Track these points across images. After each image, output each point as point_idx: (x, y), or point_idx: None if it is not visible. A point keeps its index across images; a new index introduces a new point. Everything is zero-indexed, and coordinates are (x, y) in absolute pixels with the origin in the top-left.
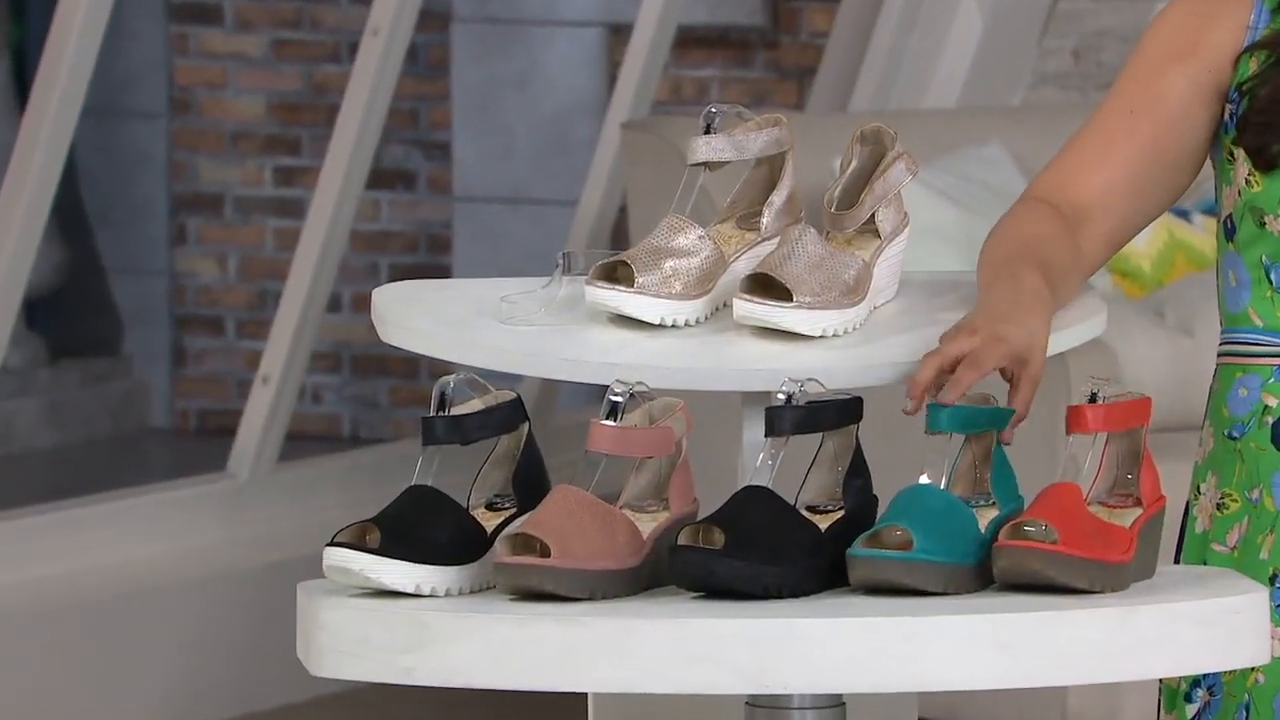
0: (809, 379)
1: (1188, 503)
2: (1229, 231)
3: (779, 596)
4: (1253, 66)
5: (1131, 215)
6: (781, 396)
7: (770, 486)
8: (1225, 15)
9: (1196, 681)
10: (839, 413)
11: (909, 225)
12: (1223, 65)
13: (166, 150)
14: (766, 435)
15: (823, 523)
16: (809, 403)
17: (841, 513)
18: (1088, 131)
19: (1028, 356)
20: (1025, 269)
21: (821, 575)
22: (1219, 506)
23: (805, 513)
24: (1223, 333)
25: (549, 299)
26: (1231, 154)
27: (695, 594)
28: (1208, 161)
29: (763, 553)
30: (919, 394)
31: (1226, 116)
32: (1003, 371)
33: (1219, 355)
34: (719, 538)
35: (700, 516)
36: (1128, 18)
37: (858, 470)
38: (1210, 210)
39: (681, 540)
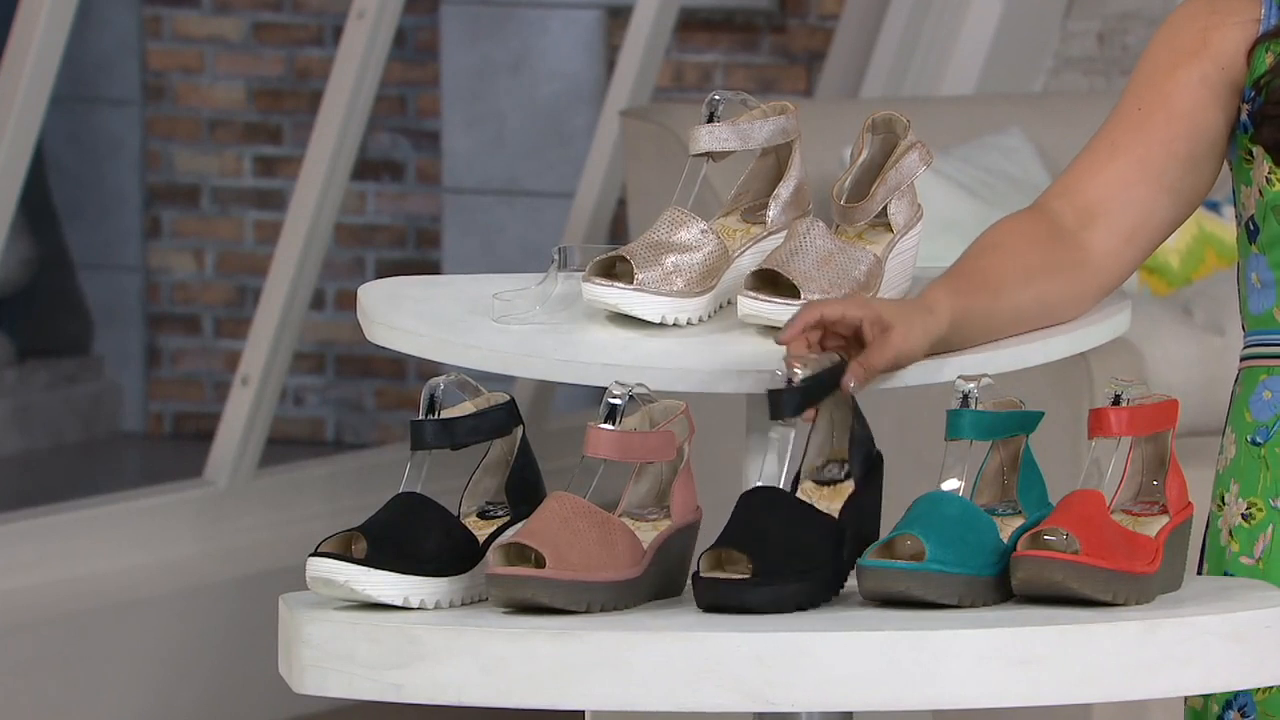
0: (797, 360)
1: (1210, 514)
2: (1251, 234)
3: (810, 608)
4: (1268, 61)
5: (1155, 209)
6: (781, 379)
7: (783, 478)
8: (1233, 12)
9: (1228, 702)
10: (832, 379)
11: (923, 218)
12: (1234, 61)
13: (140, 139)
14: (771, 419)
15: (835, 499)
16: (803, 380)
17: (849, 481)
18: (1099, 134)
19: (891, 322)
20: (936, 283)
21: (843, 570)
22: (1245, 517)
23: (814, 487)
24: (1246, 336)
25: (544, 296)
26: (1250, 153)
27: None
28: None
29: (792, 572)
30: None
31: (1244, 115)
32: (861, 335)
33: (1241, 359)
34: (744, 564)
35: (704, 523)
36: (1154, 0)
37: (860, 428)
38: None
39: (703, 571)
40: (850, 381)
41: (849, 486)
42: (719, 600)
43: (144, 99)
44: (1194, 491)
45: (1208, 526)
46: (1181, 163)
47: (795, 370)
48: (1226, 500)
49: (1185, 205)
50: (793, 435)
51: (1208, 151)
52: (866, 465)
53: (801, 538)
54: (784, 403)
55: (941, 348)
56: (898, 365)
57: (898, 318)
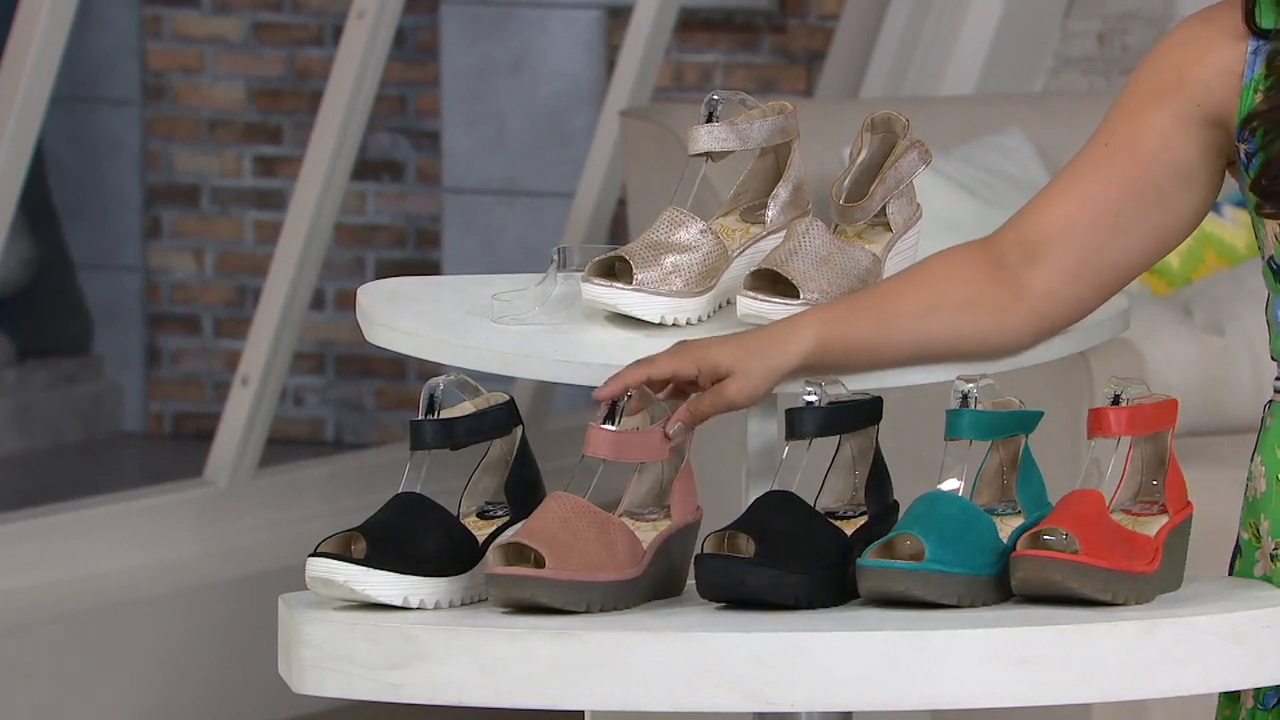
0: (832, 380)
1: (1239, 540)
2: (1276, 272)
3: (809, 607)
4: (1256, 100)
5: (1106, 249)
6: (808, 398)
7: (794, 490)
8: (1214, 50)
9: None
10: (860, 414)
11: (922, 217)
12: (1210, 97)
13: (140, 139)
14: (787, 439)
15: (846, 529)
16: (830, 404)
17: (864, 518)
18: (1066, 167)
19: (728, 369)
20: (822, 307)
21: (848, 585)
22: (1273, 557)
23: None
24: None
25: (543, 297)
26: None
27: (720, 605)
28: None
29: (794, 562)
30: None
31: (1242, 154)
32: (698, 384)
33: (1275, 390)
34: (749, 546)
35: (704, 523)
36: (1154, 0)
37: (879, 473)
38: (1242, 203)
39: (708, 548)
40: (672, 427)
41: (861, 521)
42: (720, 578)
43: (144, 99)
44: (1194, 491)
45: (1239, 550)
46: (1145, 202)
47: (818, 391)
48: (1261, 532)
49: (1155, 242)
50: (804, 457)
51: (1178, 187)
52: (882, 512)
53: (810, 537)
54: (803, 422)
55: (813, 373)
56: (731, 409)
57: (736, 362)
